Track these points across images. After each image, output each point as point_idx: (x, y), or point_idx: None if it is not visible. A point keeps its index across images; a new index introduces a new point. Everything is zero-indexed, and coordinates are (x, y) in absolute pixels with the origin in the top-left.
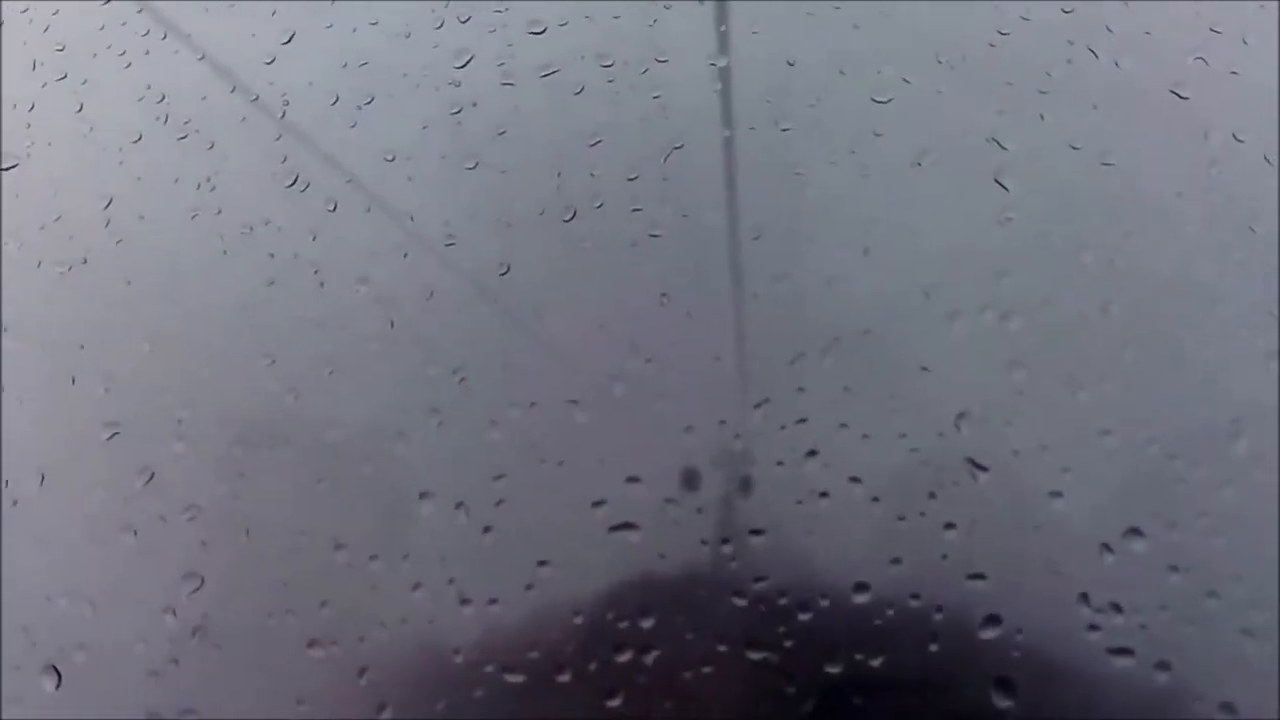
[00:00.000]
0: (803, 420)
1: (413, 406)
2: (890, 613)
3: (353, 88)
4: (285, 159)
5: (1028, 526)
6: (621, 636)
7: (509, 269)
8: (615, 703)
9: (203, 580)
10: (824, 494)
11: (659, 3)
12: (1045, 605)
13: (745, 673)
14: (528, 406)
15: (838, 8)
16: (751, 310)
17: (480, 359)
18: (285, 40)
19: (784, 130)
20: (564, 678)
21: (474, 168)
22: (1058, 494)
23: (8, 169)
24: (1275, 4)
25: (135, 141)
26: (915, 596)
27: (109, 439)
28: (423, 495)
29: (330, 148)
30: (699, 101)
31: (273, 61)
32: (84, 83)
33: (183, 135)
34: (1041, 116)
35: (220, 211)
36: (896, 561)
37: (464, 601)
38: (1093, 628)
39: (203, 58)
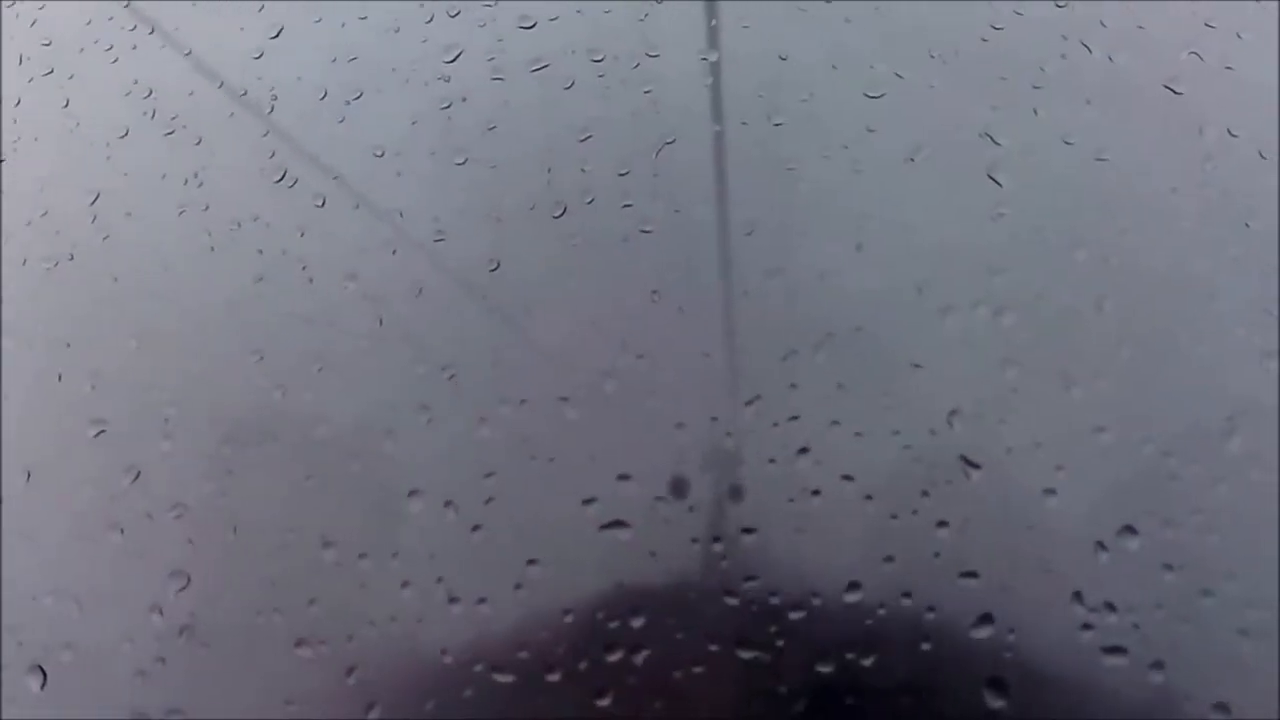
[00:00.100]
0: (794, 417)
1: (402, 404)
2: (882, 612)
3: (341, 83)
4: (273, 154)
5: (1021, 525)
6: (612, 636)
7: (499, 265)
8: (605, 703)
9: (189, 579)
10: (816, 492)
11: None
12: (1038, 604)
13: (736, 672)
14: (518, 404)
15: (830, 3)
16: (743, 306)
17: (470, 356)
18: (273, 35)
19: (776, 125)
20: (554, 677)
21: (463, 163)
22: (1051, 492)
23: None
24: (1272, 1)
25: (122, 137)
26: (907, 595)
27: (95, 436)
28: (411, 493)
29: (318, 143)
30: (690, 96)
31: (260, 56)
32: (70, 78)
33: (170, 131)
34: (1035, 112)
35: (208, 207)
36: (889, 560)
37: (453, 600)
38: (1086, 627)
39: (190, 53)
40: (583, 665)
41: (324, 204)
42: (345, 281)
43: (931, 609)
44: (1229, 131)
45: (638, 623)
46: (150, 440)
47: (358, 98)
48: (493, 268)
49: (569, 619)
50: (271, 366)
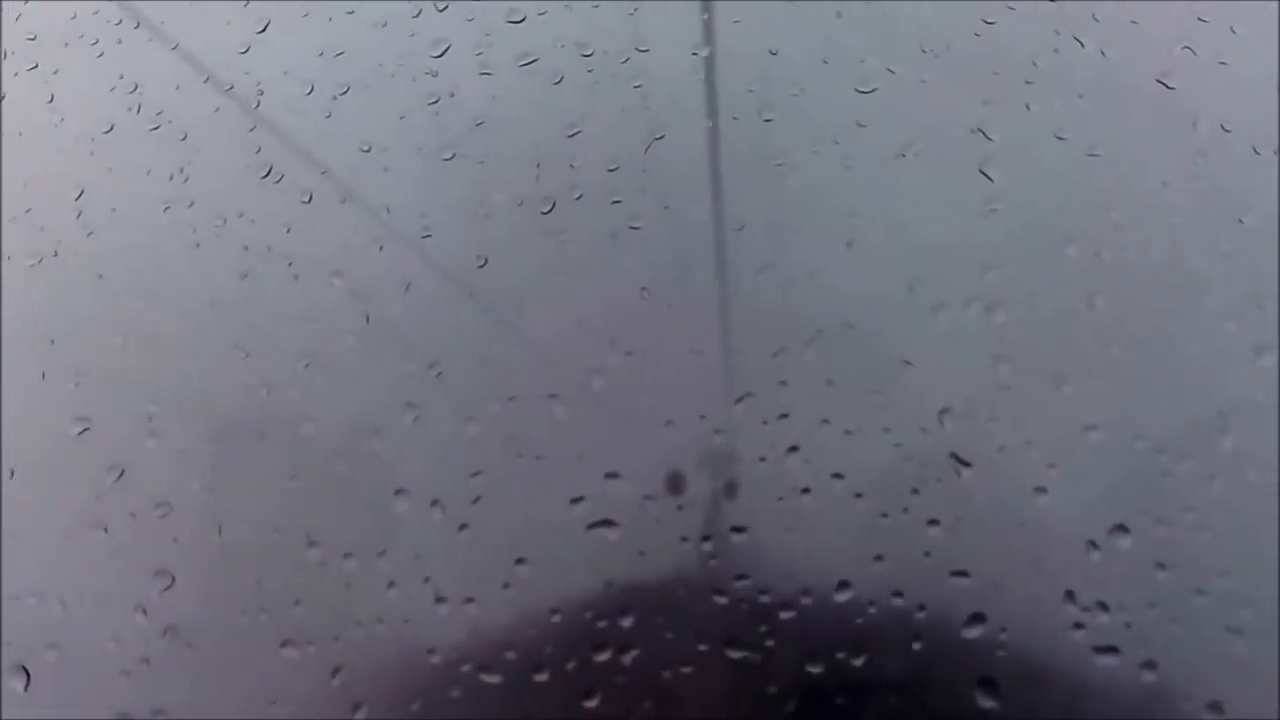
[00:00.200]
0: (784, 415)
1: (388, 402)
2: (873, 611)
3: (328, 78)
4: (259, 150)
5: (1012, 523)
6: (600, 636)
7: (487, 262)
8: (593, 703)
9: (174, 578)
10: (806, 490)
11: None
12: (1030, 603)
13: (726, 672)
14: (506, 401)
15: None
16: (733, 303)
17: (457, 353)
18: (260, 29)
19: (766, 121)
20: (541, 677)
21: (451, 159)
22: (1043, 490)
23: None
24: None
25: (107, 132)
26: (898, 594)
27: (79, 434)
28: (398, 492)
29: (305, 139)
30: (680, 92)
31: (247, 51)
32: (55, 73)
33: (155, 126)
34: (1027, 107)
35: (193, 203)
36: (879, 559)
37: (440, 600)
38: (1078, 626)
39: (176, 47)
40: (571, 665)
41: (310, 200)
42: (332, 278)
43: (922, 608)
44: (1222, 126)
45: (626, 622)
46: (135, 438)
47: (345, 93)
48: (481, 264)
49: (557, 619)
50: (257, 364)
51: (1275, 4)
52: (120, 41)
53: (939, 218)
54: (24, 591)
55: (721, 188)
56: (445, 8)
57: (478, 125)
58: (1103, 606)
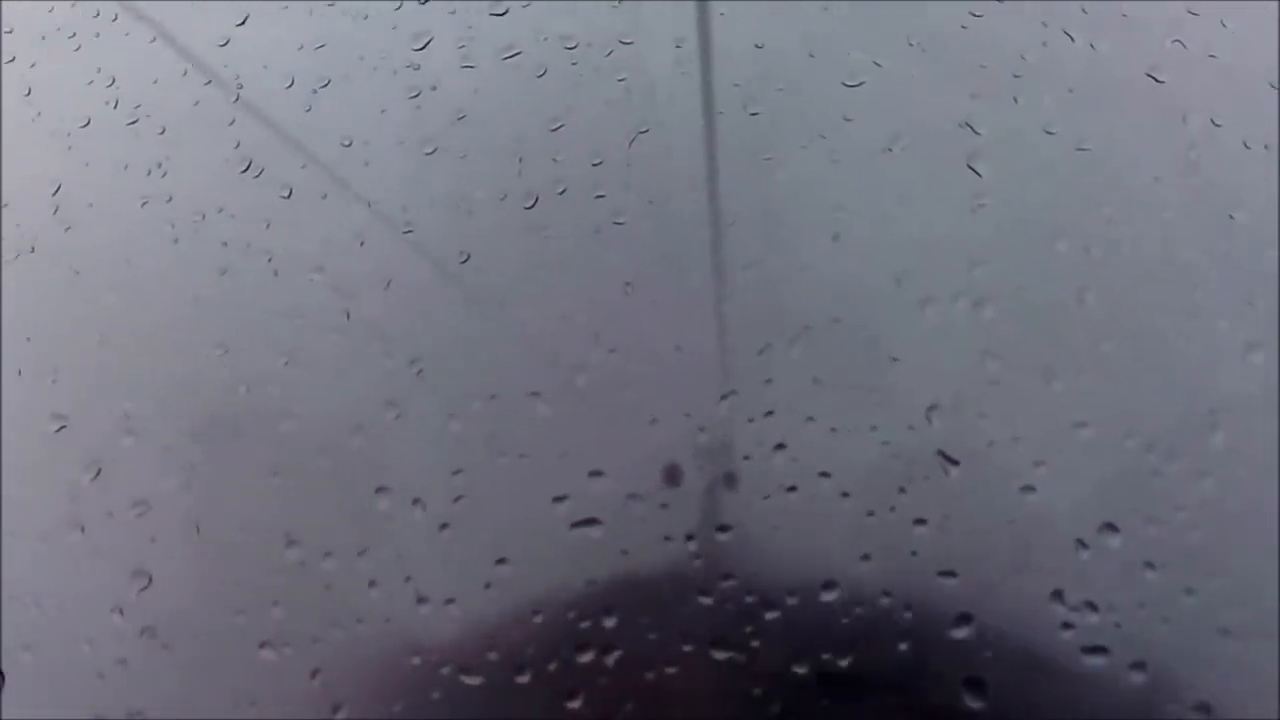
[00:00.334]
0: (770, 413)
1: (369, 399)
2: (859, 611)
3: (308, 71)
4: (239, 144)
5: (1000, 522)
6: (583, 636)
7: (469, 257)
8: (576, 704)
9: (151, 579)
10: (792, 489)
11: None
12: (1018, 603)
13: (711, 673)
14: (488, 399)
15: None
16: (718, 299)
17: (439, 350)
18: (239, 22)
19: (752, 115)
20: (523, 679)
21: (433, 153)
22: (1031, 488)
23: None
24: None
25: (84, 126)
26: (885, 594)
27: (56, 432)
28: (379, 490)
29: (285, 133)
30: (665, 85)
31: (226, 44)
32: (32, 66)
33: (133, 120)
34: (1015, 100)
35: (171, 198)
36: (866, 558)
37: (421, 600)
38: (1066, 626)
39: (154, 40)
40: (553, 666)
41: (290, 195)
42: (312, 274)
43: (909, 608)
44: (1212, 121)
45: (610, 623)
46: (112, 436)
47: (325, 86)
48: (463, 260)
49: (539, 619)
50: (236, 361)
51: None
52: (98, 35)
53: (926, 212)
54: None
55: (706, 182)
56: (427, 0)
57: (460, 119)
58: (1091, 606)
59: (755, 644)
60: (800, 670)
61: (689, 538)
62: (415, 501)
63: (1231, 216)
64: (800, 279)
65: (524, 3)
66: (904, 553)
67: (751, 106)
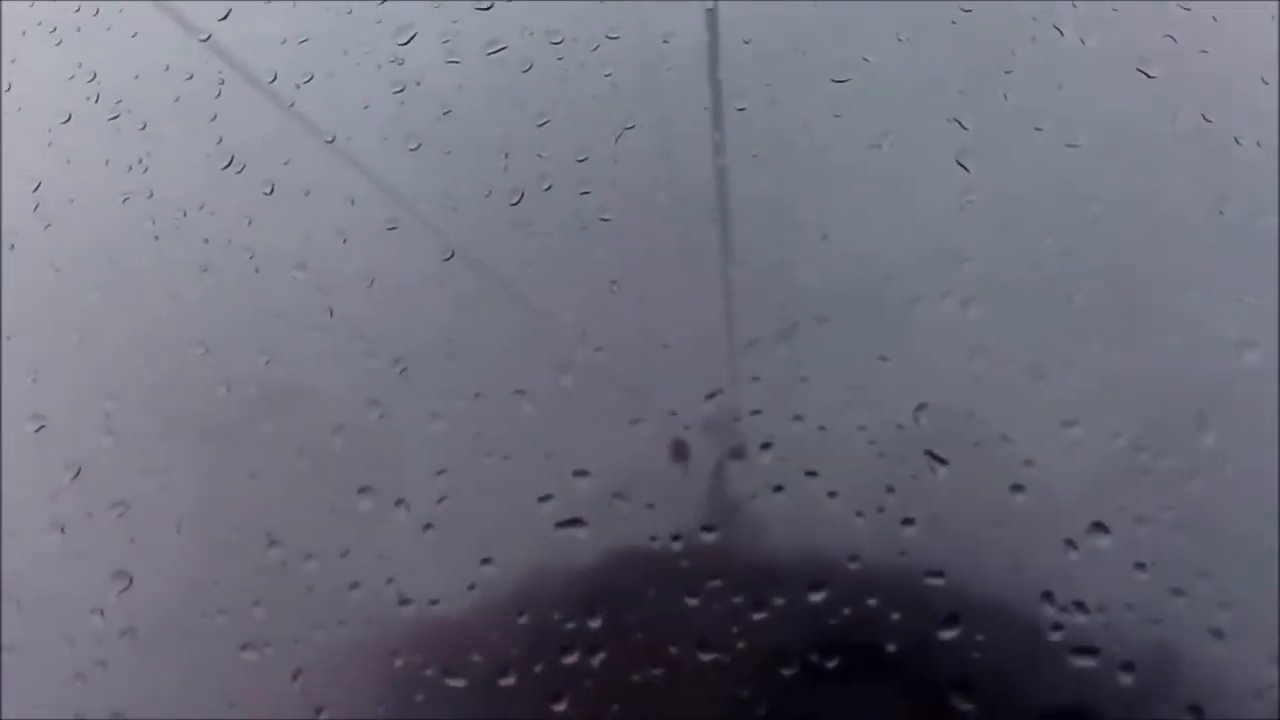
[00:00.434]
0: (756, 411)
1: (352, 398)
2: (846, 612)
3: (291, 66)
4: (220, 140)
5: (989, 522)
6: (568, 637)
7: (453, 254)
8: (561, 706)
9: (132, 579)
10: (779, 488)
11: None
12: (1007, 604)
13: (697, 675)
14: (472, 398)
15: None
16: (704, 297)
17: (423, 348)
18: (221, 16)
19: (739, 110)
20: (508, 681)
21: (417, 149)
22: (1020, 488)
23: None
24: None
25: (65, 122)
26: (872, 595)
27: (35, 432)
28: (362, 490)
29: (267, 128)
30: (652, 81)
31: (208, 39)
32: (12, 61)
33: (114, 116)
34: (1005, 96)
35: (152, 195)
36: (854, 558)
37: (404, 602)
38: (1056, 627)
39: (136, 35)
40: (538, 668)
41: (272, 191)
42: (294, 271)
43: (897, 609)
44: (1203, 116)
45: (595, 624)
46: (92, 436)
47: (308, 81)
48: (447, 257)
49: (524, 620)
50: (217, 360)
51: None
52: (79, 30)
53: (914, 209)
54: None
55: (692, 179)
56: None
57: (444, 114)
58: (1081, 607)
59: (742, 645)
60: (787, 672)
61: (675, 538)
62: (399, 502)
63: (1221, 213)
64: (787, 276)
65: None
66: (892, 553)
67: (739, 102)
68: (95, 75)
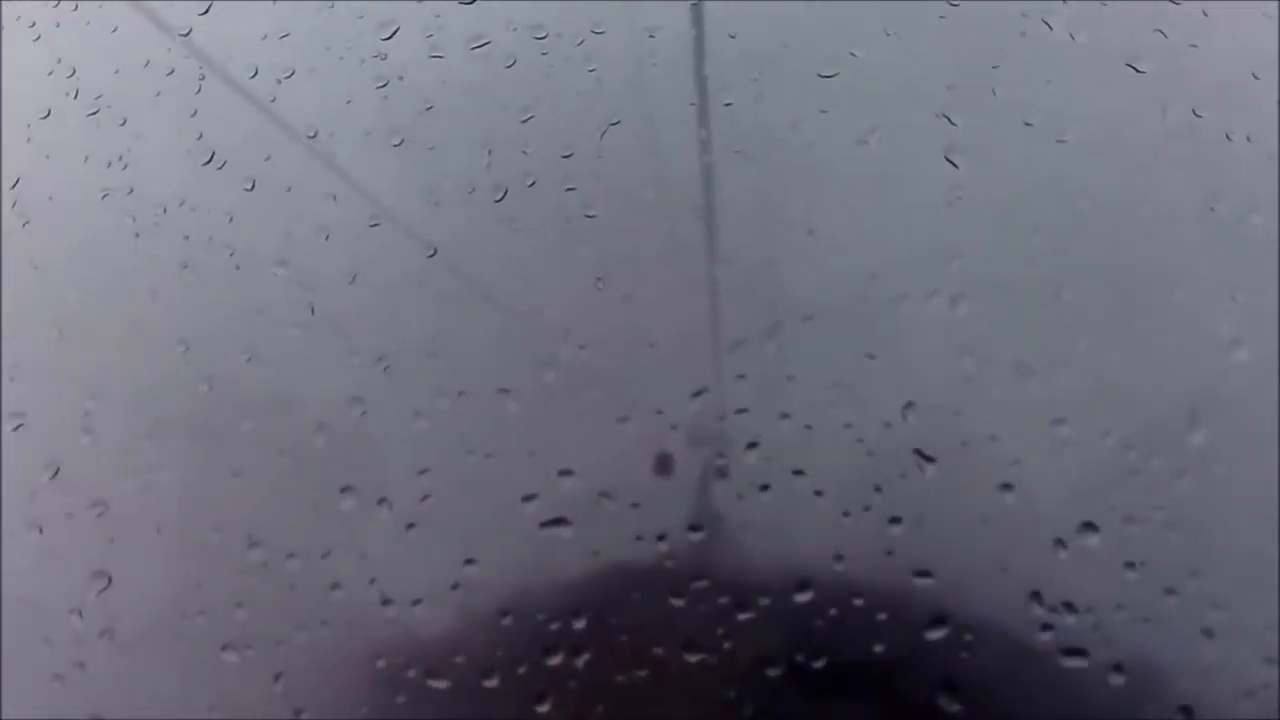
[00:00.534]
0: (743, 410)
1: (334, 396)
2: (833, 612)
3: (273, 61)
4: (201, 136)
5: (977, 521)
6: (552, 639)
7: (436, 251)
8: (545, 708)
9: (111, 580)
10: (765, 487)
11: None
12: (995, 604)
13: (682, 676)
14: (455, 396)
15: None
16: (690, 294)
17: (406, 346)
18: (202, 11)
19: (726, 105)
20: (491, 682)
21: (400, 144)
22: (1008, 487)
23: None
24: None
25: (44, 118)
26: (859, 595)
27: (13, 430)
28: (344, 490)
29: (249, 124)
30: (637, 76)
31: (189, 33)
32: None
33: (93, 111)
34: (993, 92)
35: (132, 191)
36: (840, 558)
37: (386, 602)
38: (1045, 627)
39: (116, 30)
40: (522, 669)
41: (253, 187)
42: (275, 268)
43: (884, 609)
44: (1194, 112)
45: (580, 624)
46: (70, 435)
47: (290, 76)
48: (430, 254)
49: (507, 621)
50: (198, 358)
51: None
52: (58, 24)
53: (902, 206)
54: None
55: (678, 175)
56: None
57: (427, 110)
58: (1070, 607)
59: (727, 646)
60: (773, 672)
61: (660, 538)
62: (381, 501)
63: (1212, 209)
64: (774, 273)
65: None
66: (879, 552)
67: (725, 97)
68: (75, 71)
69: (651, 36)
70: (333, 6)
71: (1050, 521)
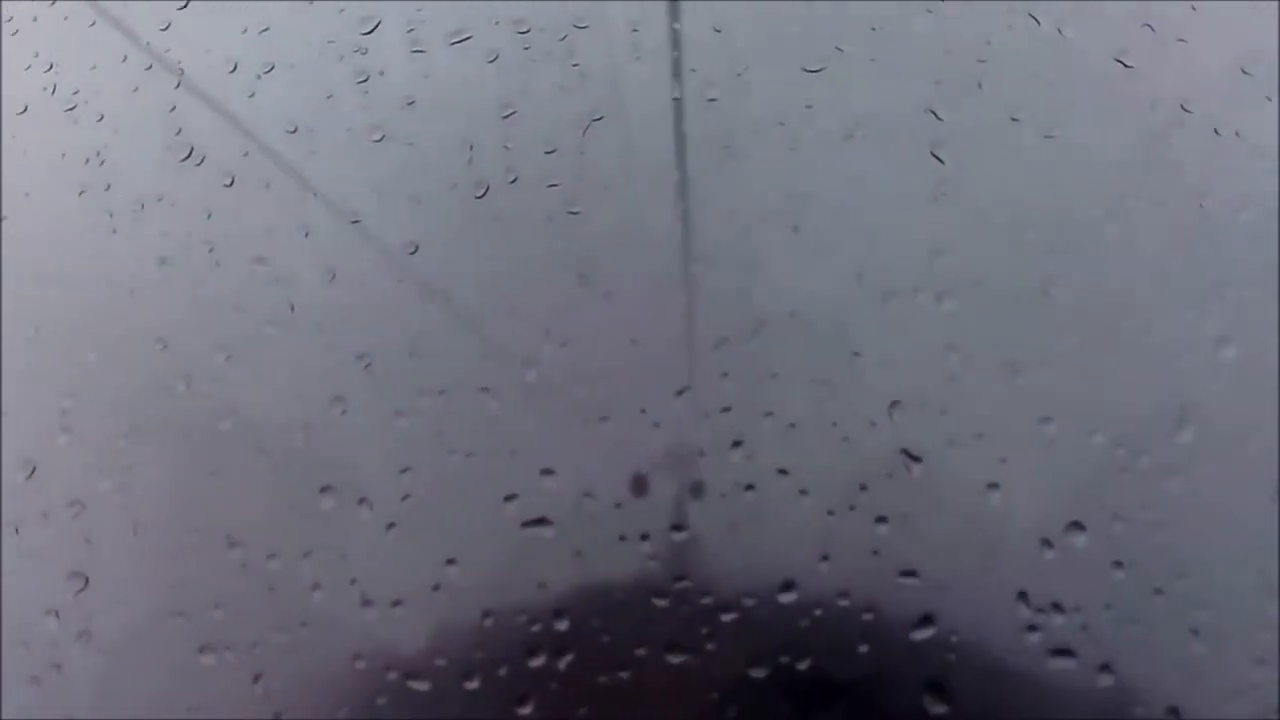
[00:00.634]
0: (726, 409)
1: (314, 395)
2: (818, 613)
3: (252, 55)
4: (179, 131)
5: (964, 521)
6: (534, 640)
7: (417, 248)
8: (527, 710)
9: (88, 580)
10: (749, 487)
11: None
12: (982, 604)
13: (666, 677)
14: (436, 395)
15: None
16: (673, 292)
17: (386, 344)
18: (181, 5)
19: (710, 101)
20: (473, 684)
21: (380, 140)
22: (995, 486)
23: None
24: None
25: (21, 113)
26: (844, 595)
27: None
28: (324, 489)
29: (228, 119)
30: (620, 71)
31: (167, 28)
32: None
33: (71, 106)
34: (980, 86)
35: (110, 187)
36: (825, 558)
37: (367, 603)
38: (1032, 628)
39: (94, 24)
40: (503, 671)
41: (232, 183)
42: (254, 265)
43: (870, 610)
44: (1182, 107)
45: (562, 626)
46: (46, 434)
47: (269, 71)
48: (411, 251)
49: (489, 622)
50: (175, 355)
51: None
52: (35, 19)
53: (888, 202)
54: None
55: (662, 171)
56: None
57: (408, 105)
58: (1057, 607)
59: (711, 647)
60: (758, 674)
61: (643, 538)
62: (361, 501)
63: (1200, 205)
64: (759, 271)
65: None
66: (865, 552)
67: (710, 92)
68: (52, 65)
69: (635, 31)
70: (312, 2)
71: (1037, 521)
